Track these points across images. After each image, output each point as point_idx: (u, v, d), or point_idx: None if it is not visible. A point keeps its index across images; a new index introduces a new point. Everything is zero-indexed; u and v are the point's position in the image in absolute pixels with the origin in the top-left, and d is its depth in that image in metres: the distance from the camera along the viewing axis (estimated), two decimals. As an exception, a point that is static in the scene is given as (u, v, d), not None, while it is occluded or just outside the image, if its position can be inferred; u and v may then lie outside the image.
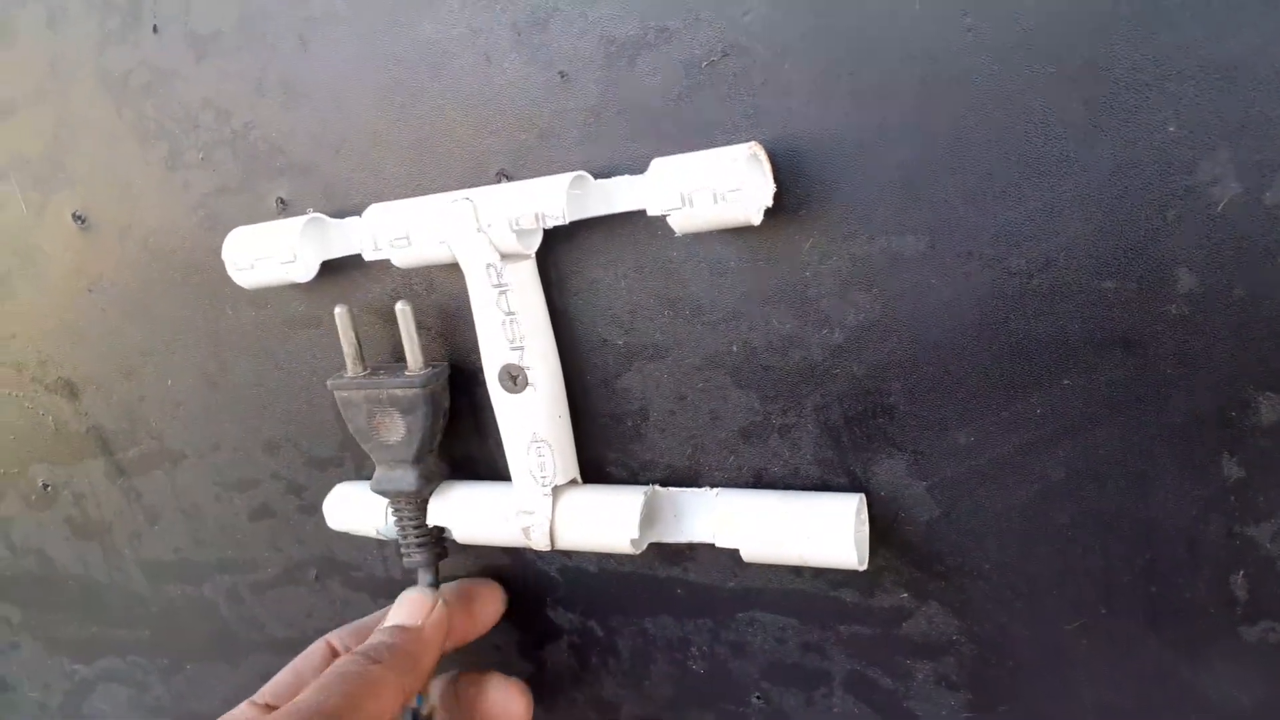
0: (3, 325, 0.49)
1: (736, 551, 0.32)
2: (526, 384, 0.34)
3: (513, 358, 0.34)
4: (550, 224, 0.32)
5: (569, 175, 0.32)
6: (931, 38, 0.28)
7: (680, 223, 0.29)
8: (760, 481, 0.34)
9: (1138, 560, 0.30)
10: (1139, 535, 0.30)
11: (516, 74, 0.34)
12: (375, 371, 0.38)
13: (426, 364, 0.37)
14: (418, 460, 0.37)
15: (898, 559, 0.33)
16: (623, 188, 0.32)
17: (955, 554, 0.32)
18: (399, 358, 0.39)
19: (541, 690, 0.42)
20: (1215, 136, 0.26)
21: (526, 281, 0.34)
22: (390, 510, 0.38)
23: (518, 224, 0.32)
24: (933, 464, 0.32)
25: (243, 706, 0.35)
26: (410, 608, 0.36)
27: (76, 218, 0.45)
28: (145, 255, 0.43)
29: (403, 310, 0.36)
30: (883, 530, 0.33)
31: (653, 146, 0.32)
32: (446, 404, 0.37)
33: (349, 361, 0.37)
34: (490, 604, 0.41)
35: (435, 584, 0.38)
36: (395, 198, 0.36)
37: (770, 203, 0.30)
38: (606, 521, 0.34)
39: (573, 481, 0.36)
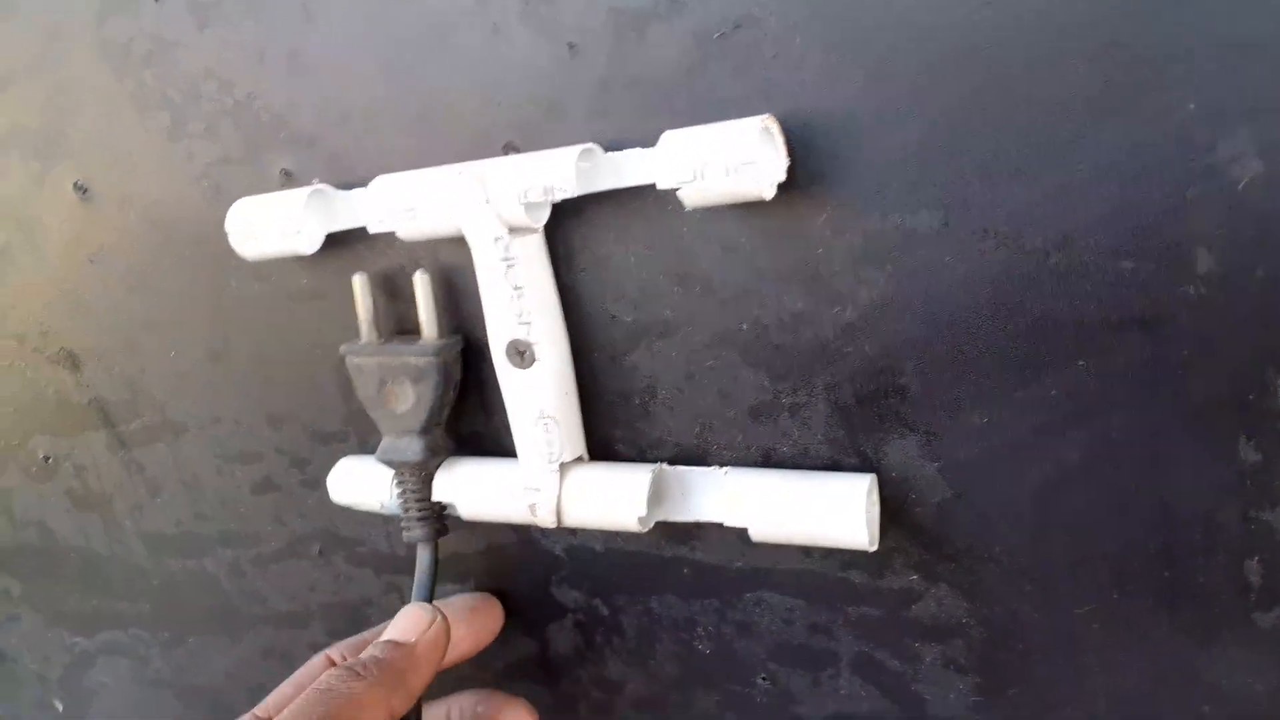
0: (3, 296, 0.49)
1: (745, 531, 0.32)
2: (534, 359, 0.34)
3: (519, 333, 0.34)
4: (559, 197, 0.31)
5: (578, 148, 0.31)
6: (948, 11, 0.27)
7: (691, 197, 0.29)
8: (769, 461, 0.34)
9: (1152, 545, 0.30)
10: (1153, 519, 0.29)
11: (524, 45, 0.33)
12: (388, 340, 0.37)
13: (441, 335, 0.36)
14: (425, 431, 0.37)
15: (908, 540, 0.33)
16: (633, 161, 0.31)
17: (966, 536, 0.32)
18: (401, 331, 0.38)
19: (545, 669, 0.42)
20: (1236, 114, 0.25)
21: (534, 256, 0.33)
22: (395, 482, 0.38)
23: (526, 197, 0.31)
24: (945, 445, 0.31)
25: (245, 718, 0.35)
26: (406, 623, 0.36)
27: (78, 188, 0.44)
28: (147, 226, 0.43)
29: (421, 279, 0.35)
30: (893, 511, 0.32)
31: (662, 120, 0.31)
32: (458, 377, 0.37)
33: (364, 328, 0.37)
34: (490, 619, 0.41)
35: (434, 560, 0.38)
36: (400, 170, 0.35)
37: (783, 177, 0.29)
38: (613, 499, 0.34)
39: (579, 459, 0.36)
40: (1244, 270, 0.26)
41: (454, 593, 0.42)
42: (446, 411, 0.37)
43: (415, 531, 0.38)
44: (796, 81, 0.30)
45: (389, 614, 0.44)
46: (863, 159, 0.29)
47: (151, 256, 0.44)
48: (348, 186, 0.37)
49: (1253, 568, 0.29)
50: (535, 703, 0.41)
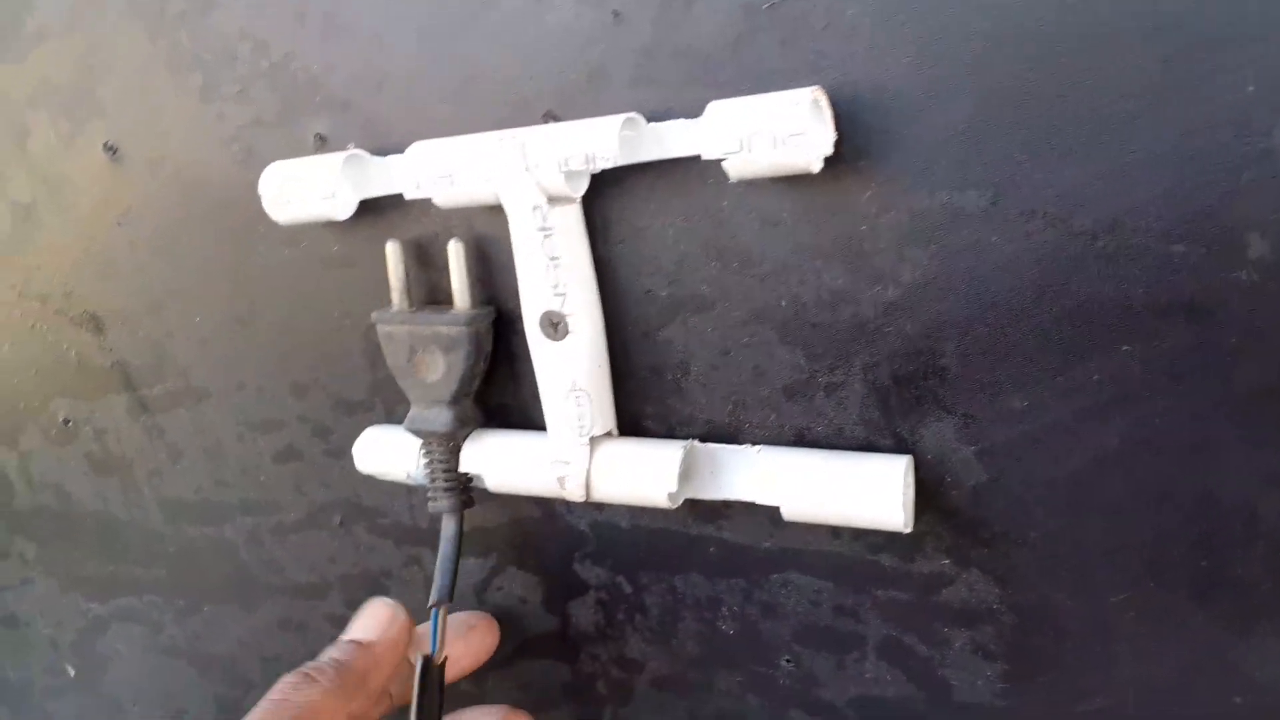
0: (28, 256, 0.49)
1: (776, 510, 0.32)
2: (567, 331, 0.34)
3: (554, 304, 0.33)
4: (601, 166, 0.31)
5: (621, 116, 0.31)
6: (1004, -14, 0.27)
7: (737, 168, 0.29)
8: (802, 441, 0.33)
9: (1190, 534, 0.29)
10: (1193, 508, 0.29)
11: (568, 11, 0.33)
12: (419, 309, 0.37)
13: (474, 305, 0.36)
14: (454, 401, 0.36)
15: (941, 524, 0.32)
16: (676, 131, 0.31)
17: (1001, 521, 0.31)
18: (432, 300, 0.38)
19: (565, 646, 0.42)
20: (1296, 98, 0.25)
21: (572, 226, 0.33)
22: (422, 452, 0.38)
23: (566, 165, 0.31)
24: (983, 428, 0.31)
25: None
26: (368, 620, 0.36)
27: (108, 148, 0.44)
28: (177, 188, 0.43)
29: (455, 248, 0.35)
30: (928, 494, 0.32)
31: (706, 92, 0.31)
32: (489, 348, 0.37)
33: (396, 296, 0.37)
34: (488, 637, 0.41)
35: (459, 532, 0.38)
36: (436, 137, 0.35)
37: (831, 150, 0.29)
38: (644, 474, 0.33)
39: (609, 433, 0.35)
40: (1297, 257, 0.26)
41: (475, 567, 0.42)
42: (477, 383, 0.37)
43: (441, 502, 0.37)
44: (846, 54, 0.29)
45: (408, 587, 0.44)
46: (911, 135, 0.29)
47: (180, 220, 0.43)
48: (382, 153, 0.37)
49: (1293, 560, 0.28)
50: (553, 679, 0.41)
